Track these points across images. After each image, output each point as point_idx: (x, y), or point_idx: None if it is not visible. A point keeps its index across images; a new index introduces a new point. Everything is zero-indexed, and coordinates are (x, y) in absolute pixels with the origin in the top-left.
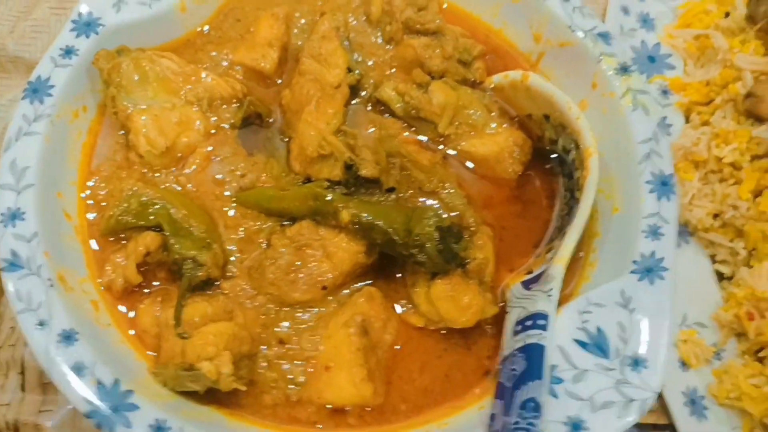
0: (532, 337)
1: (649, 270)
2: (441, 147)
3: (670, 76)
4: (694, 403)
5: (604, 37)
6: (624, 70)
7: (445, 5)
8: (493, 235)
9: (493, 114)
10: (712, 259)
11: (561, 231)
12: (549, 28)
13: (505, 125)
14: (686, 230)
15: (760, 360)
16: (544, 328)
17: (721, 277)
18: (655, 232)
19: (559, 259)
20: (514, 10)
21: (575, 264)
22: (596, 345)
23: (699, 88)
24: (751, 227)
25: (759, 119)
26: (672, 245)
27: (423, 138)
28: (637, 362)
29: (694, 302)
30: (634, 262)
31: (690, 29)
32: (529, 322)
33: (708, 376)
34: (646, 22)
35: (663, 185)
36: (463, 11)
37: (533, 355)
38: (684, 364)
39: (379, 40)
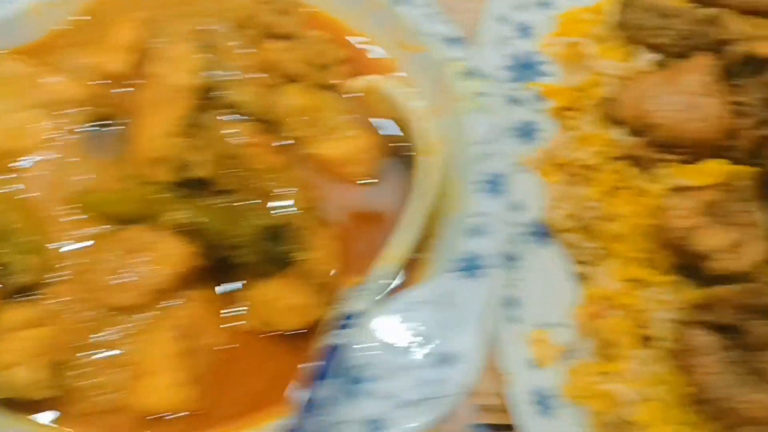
0: (333, 337)
1: (470, 268)
2: (292, 149)
3: (546, 82)
4: (542, 402)
5: (455, 42)
6: (470, 74)
7: (311, 11)
8: (339, 236)
9: (349, 117)
10: (572, 259)
11: None
12: (407, 34)
13: (360, 129)
14: (547, 232)
15: (609, 358)
16: (347, 327)
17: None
18: (479, 231)
19: (383, 259)
20: (378, 16)
21: (414, 265)
22: (409, 343)
23: (568, 93)
24: (602, 227)
25: (617, 122)
26: (495, 244)
27: (278, 141)
28: (447, 359)
29: (551, 303)
30: (457, 260)
31: (565, 37)
32: (339, 323)
33: (560, 375)
34: (524, 30)
35: (493, 185)
36: (330, 18)
37: (328, 355)
38: (534, 364)
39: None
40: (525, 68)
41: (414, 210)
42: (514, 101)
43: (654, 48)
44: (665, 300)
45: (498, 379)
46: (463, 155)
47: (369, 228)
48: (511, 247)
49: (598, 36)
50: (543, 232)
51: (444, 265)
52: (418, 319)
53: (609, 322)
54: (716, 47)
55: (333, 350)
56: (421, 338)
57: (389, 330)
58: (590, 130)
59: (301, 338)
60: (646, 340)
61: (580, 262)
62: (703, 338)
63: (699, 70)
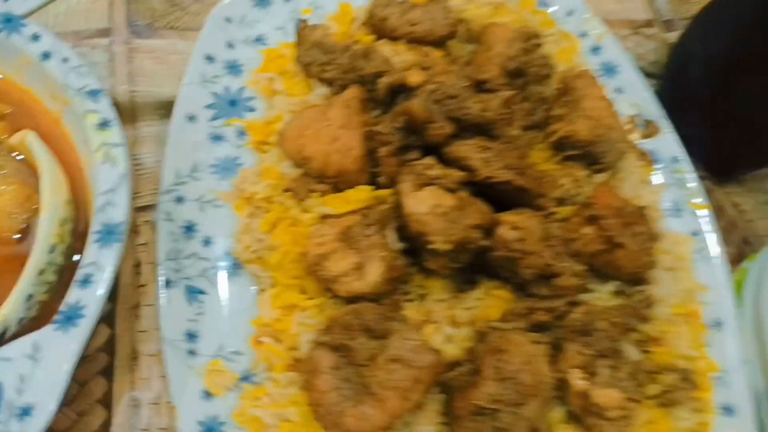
0: None
1: (68, 319)
2: None
3: (250, 118)
4: (212, 430)
5: (93, 94)
6: (104, 125)
7: None
8: None
9: (4, 172)
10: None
11: None
12: (55, 88)
13: (14, 185)
14: (237, 264)
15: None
16: None
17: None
18: (86, 281)
19: None
20: (33, 70)
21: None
22: None
23: (262, 128)
24: (269, 257)
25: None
26: (100, 292)
27: None
28: (25, 411)
29: (232, 333)
30: (59, 312)
31: (266, 73)
32: None
33: (232, 403)
34: (233, 68)
35: (109, 234)
36: None
37: None
38: (208, 394)
39: None
40: (231, 105)
41: (30, 264)
42: (217, 138)
43: (325, 82)
44: (310, 323)
45: (167, 411)
46: (92, 206)
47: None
48: (197, 283)
49: (290, 71)
50: (234, 265)
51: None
52: (3, 376)
53: (267, 348)
54: (371, 79)
55: None
56: (3, 393)
57: None
58: (269, 164)
59: None
60: (298, 362)
61: (261, 291)
62: (323, 358)
63: (344, 104)
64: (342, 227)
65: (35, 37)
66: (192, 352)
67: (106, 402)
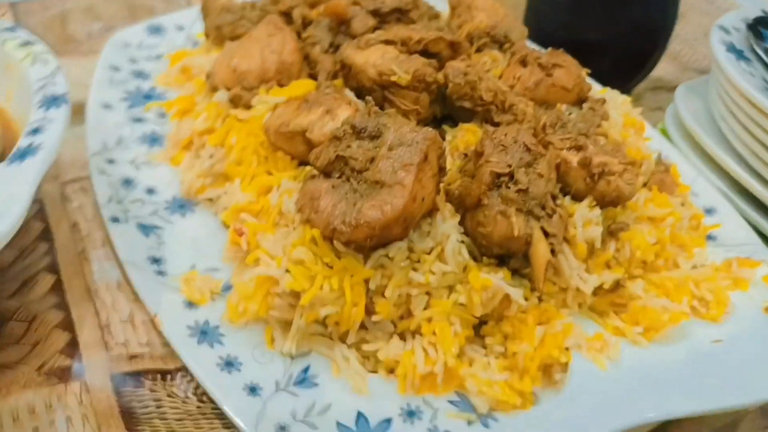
0: None
1: (22, 155)
2: None
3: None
4: (205, 333)
5: (11, 28)
6: (26, 44)
7: None
8: None
9: None
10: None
11: None
12: None
13: None
14: (185, 204)
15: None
16: None
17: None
18: (36, 131)
19: None
20: None
21: None
22: None
23: (184, 100)
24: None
25: (215, 89)
26: (54, 134)
27: None
28: None
29: (202, 254)
30: (11, 154)
31: (174, 67)
32: None
33: (218, 308)
34: (139, 74)
35: (54, 100)
36: None
37: None
38: (191, 304)
39: None
40: (145, 98)
41: None
42: (138, 120)
43: (236, 37)
44: (291, 188)
45: (145, 328)
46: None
47: None
48: (150, 220)
49: (201, 52)
50: (182, 205)
51: None
52: None
53: (250, 228)
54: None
55: None
56: None
57: None
58: (201, 107)
59: None
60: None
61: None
62: (318, 183)
63: (267, 22)
64: (297, 101)
65: None
66: (161, 273)
67: (68, 328)
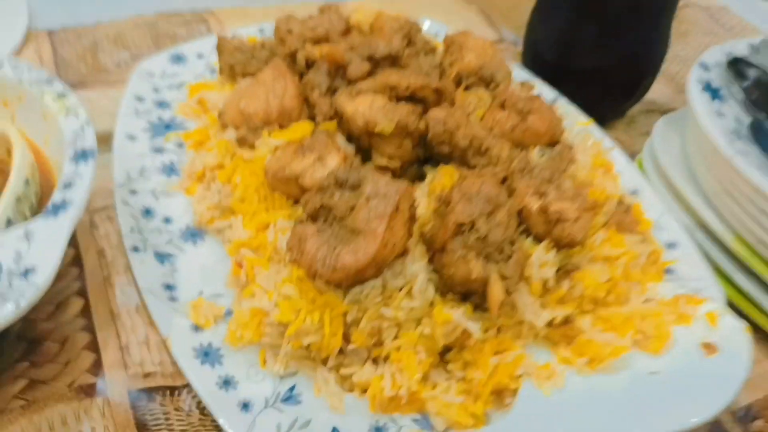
0: None
1: (56, 209)
2: None
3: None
4: (207, 354)
5: (48, 81)
6: (61, 95)
7: None
8: None
9: None
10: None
11: None
12: (8, 91)
13: None
14: (197, 232)
15: None
16: None
17: None
18: (69, 185)
19: None
20: None
21: None
22: None
23: (198, 132)
24: (232, 202)
25: (226, 126)
26: (83, 190)
27: None
28: (27, 272)
29: (209, 281)
30: (46, 209)
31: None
32: None
33: (221, 331)
34: (161, 104)
35: (83, 155)
36: None
37: None
38: (197, 327)
39: None
40: (166, 128)
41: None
42: (158, 150)
43: (247, 74)
44: (285, 227)
45: (158, 349)
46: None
47: None
48: (165, 249)
49: (215, 86)
50: (194, 233)
51: None
52: None
53: (248, 262)
54: (290, 58)
55: None
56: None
57: None
58: (214, 142)
59: None
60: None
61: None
62: (305, 228)
63: (272, 67)
64: (294, 145)
65: None
66: (173, 299)
67: (94, 349)
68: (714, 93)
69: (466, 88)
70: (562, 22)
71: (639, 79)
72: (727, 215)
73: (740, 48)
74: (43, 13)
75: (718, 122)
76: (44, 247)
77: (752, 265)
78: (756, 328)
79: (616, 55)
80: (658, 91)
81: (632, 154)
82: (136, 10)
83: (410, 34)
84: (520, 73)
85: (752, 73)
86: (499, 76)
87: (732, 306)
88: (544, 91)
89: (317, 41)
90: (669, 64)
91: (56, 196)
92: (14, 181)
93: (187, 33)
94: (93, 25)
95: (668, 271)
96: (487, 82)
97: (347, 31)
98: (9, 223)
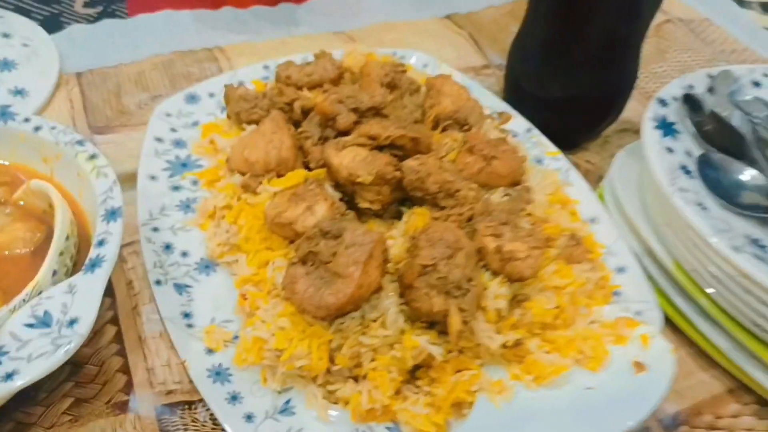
0: None
1: (92, 265)
2: None
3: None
4: (218, 374)
5: (80, 142)
6: (92, 157)
7: None
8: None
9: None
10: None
11: None
12: (47, 150)
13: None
14: (210, 264)
15: None
16: None
17: None
18: (102, 242)
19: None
20: (27, 143)
21: None
22: (42, 322)
23: (210, 172)
24: (237, 240)
25: (233, 170)
26: (113, 247)
27: None
28: (72, 322)
29: (220, 309)
30: (85, 264)
31: (205, 139)
32: None
33: (230, 354)
34: (178, 143)
35: (113, 214)
36: None
37: None
38: (210, 351)
39: None
40: (183, 166)
41: (53, 246)
42: (176, 188)
43: (253, 122)
44: (282, 266)
45: (178, 370)
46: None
47: None
48: (183, 280)
49: (224, 130)
50: (207, 265)
51: None
52: (49, 306)
53: (250, 295)
54: (288, 107)
55: None
56: (52, 316)
57: (25, 318)
58: (223, 184)
59: None
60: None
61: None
62: (296, 270)
63: (271, 120)
64: (289, 192)
65: (26, 120)
66: (190, 326)
67: (125, 371)
68: (668, 128)
69: (443, 129)
70: (538, 55)
71: (611, 105)
72: (669, 244)
73: (699, 78)
74: (71, 56)
75: (666, 158)
76: (85, 299)
77: (688, 289)
78: (692, 344)
79: (585, 85)
80: (633, 109)
81: (601, 176)
82: (153, 50)
83: (395, 79)
84: (499, 104)
85: (707, 106)
86: (471, 120)
87: (672, 324)
88: (520, 121)
89: (312, 87)
90: (647, 82)
91: (92, 253)
92: (57, 239)
93: (199, 72)
94: (115, 65)
95: (616, 293)
96: (462, 124)
97: (339, 77)
98: (54, 273)
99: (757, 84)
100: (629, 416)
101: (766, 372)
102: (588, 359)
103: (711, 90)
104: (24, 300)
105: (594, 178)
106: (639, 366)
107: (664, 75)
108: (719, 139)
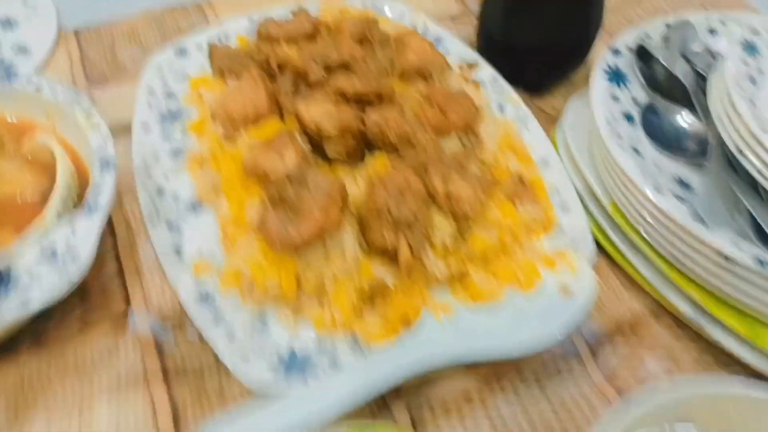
0: None
1: (90, 209)
2: None
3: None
4: (205, 299)
5: (78, 101)
6: (88, 115)
7: None
8: None
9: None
10: None
11: None
12: (49, 107)
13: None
14: (199, 204)
15: None
16: None
17: None
18: (97, 189)
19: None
20: (31, 101)
21: None
22: (50, 256)
23: (198, 124)
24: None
25: (215, 122)
26: (107, 194)
27: None
28: (74, 257)
29: (206, 243)
30: (84, 205)
31: (195, 91)
32: None
33: (217, 281)
34: (169, 95)
35: (106, 163)
36: None
37: None
38: (197, 279)
39: None
40: (173, 117)
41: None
42: (167, 137)
43: (236, 77)
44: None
45: (170, 296)
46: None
47: None
48: (174, 220)
49: (211, 83)
50: (195, 207)
51: None
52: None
53: (231, 233)
54: (266, 63)
55: None
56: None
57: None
58: (208, 134)
59: None
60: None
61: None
62: (266, 211)
63: (248, 77)
64: (264, 142)
65: (29, 81)
66: (180, 258)
67: (126, 298)
68: (617, 76)
69: (409, 82)
70: (506, 4)
71: (574, 51)
72: (607, 186)
73: (656, 28)
74: (67, 13)
75: (609, 105)
76: (84, 238)
77: (622, 227)
78: (624, 274)
79: (550, 34)
80: (599, 52)
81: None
82: (145, 4)
83: (367, 33)
84: (469, 54)
85: (658, 56)
86: (434, 71)
87: (609, 257)
88: (487, 70)
89: (288, 42)
90: (619, 27)
91: (90, 199)
92: (59, 187)
93: (188, 26)
94: (110, 22)
95: (557, 229)
96: (425, 77)
97: (315, 32)
98: (59, 215)
99: (713, 31)
100: (555, 332)
101: (682, 297)
102: (523, 283)
103: (666, 39)
104: (33, 239)
105: (555, 123)
106: (566, 290)
107: (638, 21)
108: (666, 89)
